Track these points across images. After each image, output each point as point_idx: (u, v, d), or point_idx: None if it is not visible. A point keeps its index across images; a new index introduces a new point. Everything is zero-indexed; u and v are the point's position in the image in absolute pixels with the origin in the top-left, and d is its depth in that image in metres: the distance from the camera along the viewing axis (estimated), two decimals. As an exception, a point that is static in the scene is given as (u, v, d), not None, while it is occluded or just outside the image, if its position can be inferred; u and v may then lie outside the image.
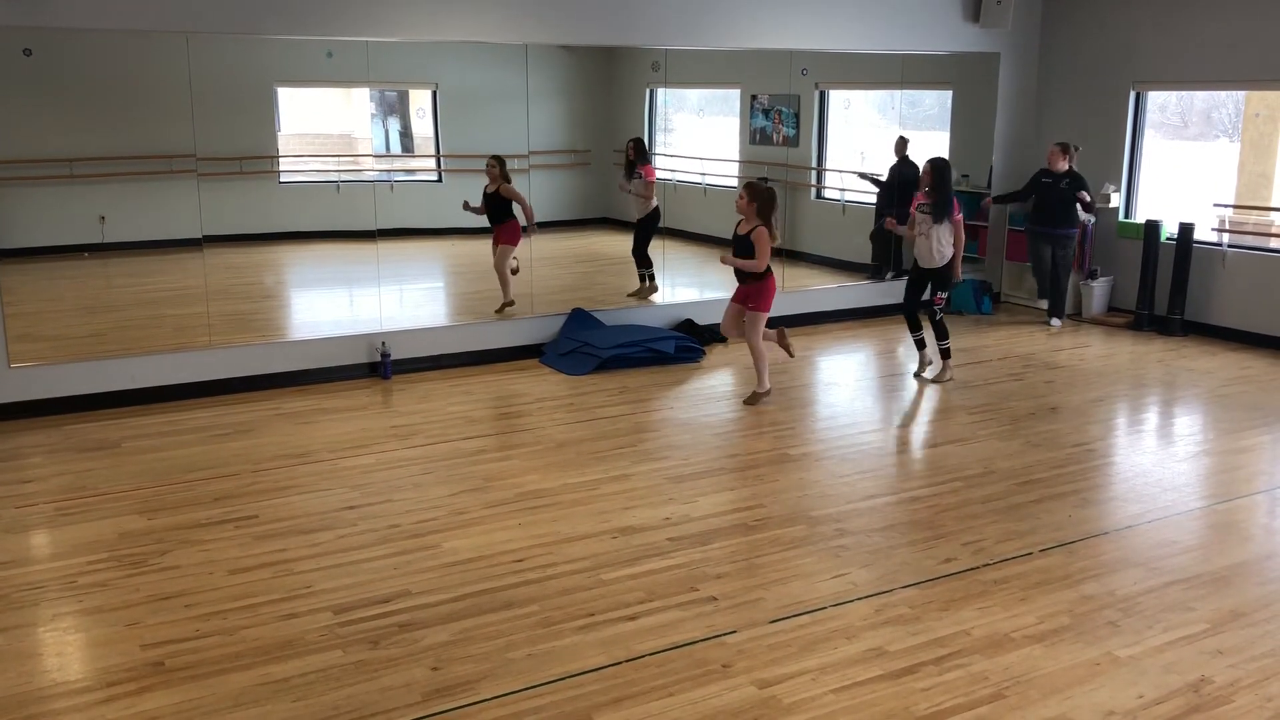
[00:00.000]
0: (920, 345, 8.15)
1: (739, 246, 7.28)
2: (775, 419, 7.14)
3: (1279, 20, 8.81)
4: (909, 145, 10.45)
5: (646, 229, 9.72)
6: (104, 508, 5.54)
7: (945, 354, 8.06)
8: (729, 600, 4.53)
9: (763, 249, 7.17)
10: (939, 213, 7.77)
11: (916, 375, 8.16)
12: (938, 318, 7.97)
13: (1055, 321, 9.97)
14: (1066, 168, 9.68)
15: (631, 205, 9.78)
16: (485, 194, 9.10)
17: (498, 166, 9.01)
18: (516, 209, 9.06)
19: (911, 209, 7.98)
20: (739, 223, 7.35)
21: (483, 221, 9.21)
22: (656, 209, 9.70)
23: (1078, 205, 9.72)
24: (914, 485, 5.99)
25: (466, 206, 9.15)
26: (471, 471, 6.09)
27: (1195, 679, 3.95)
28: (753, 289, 7.35)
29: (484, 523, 5.35)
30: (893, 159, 10.54)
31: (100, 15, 6.80)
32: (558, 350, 8.53)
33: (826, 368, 8.86)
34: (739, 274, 7.35)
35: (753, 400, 7.40)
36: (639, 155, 9.76)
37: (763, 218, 7.18)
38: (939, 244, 7.81)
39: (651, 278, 9.72)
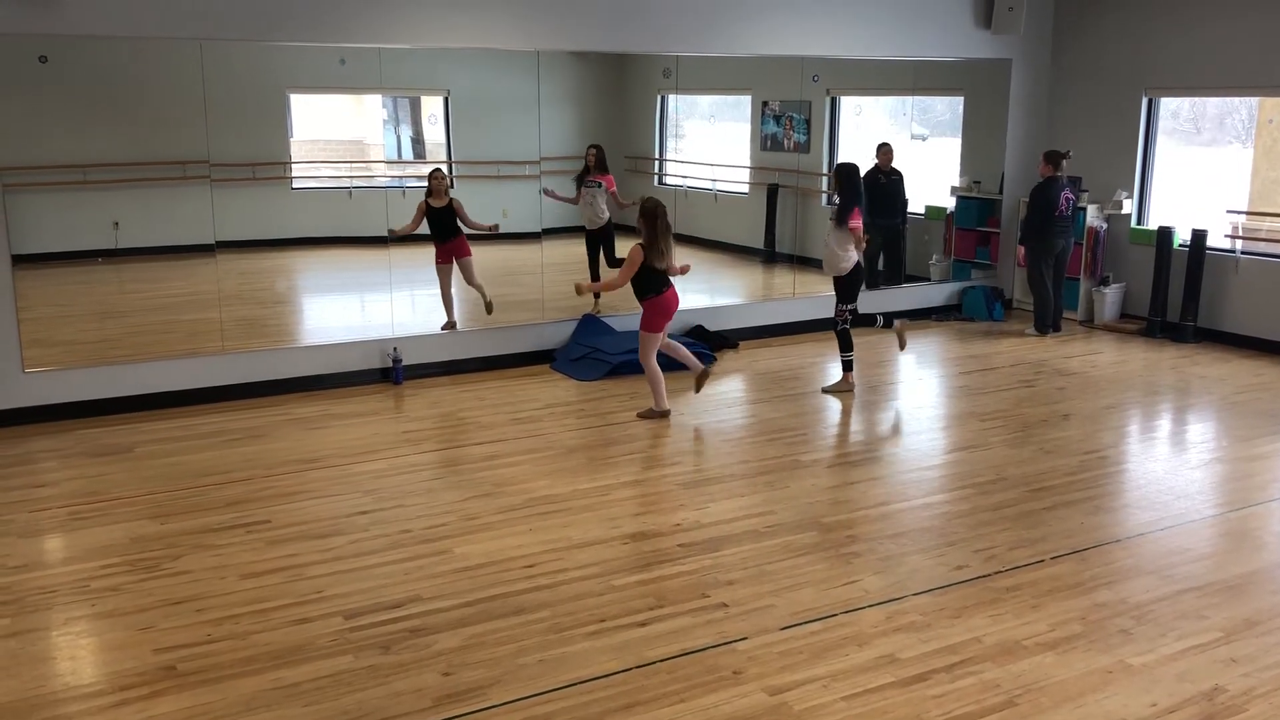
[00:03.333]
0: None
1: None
2: (786, 425, 7.13)
3: (1292, 26, 8.79)
4: (893, 154, 10.42)
5: (610, 240, 9.59)
6: (117, 512, 5.57)
7: (846, 366, 7.94)
8: (740, 607, 4.52)
9: (625, 265, 7.00)
10: (839, 217, 7.67)
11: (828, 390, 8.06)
12: (839, 328, 7.89)
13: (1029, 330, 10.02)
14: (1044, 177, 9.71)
15: (589, 215, 9.57)
16: (431, 208, 8.74)
17: (446, 179, 8.74)
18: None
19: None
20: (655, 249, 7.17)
21: (505, 225, 9.16)
22: (610, 219, 9.58)
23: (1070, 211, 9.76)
24: (926, 492, 5.97)
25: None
26: (482, 477, 6.09)
27: (1209, 688, 3.92)
28: (643, 307, 7.14)
29: (495, 528, 5.35)
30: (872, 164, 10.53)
31: (114, 22, 6.85)
32: (569, 356, 8.54)
33: (837, 374, 8.84)
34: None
35: (645, 414, 7.25)
36: (599, 164, 9.55)
37: (642, 234, 7.01)
38: (833, 251, 7.73)
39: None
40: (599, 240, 9.64)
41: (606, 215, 9.55)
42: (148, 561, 4.96)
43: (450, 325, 8.84)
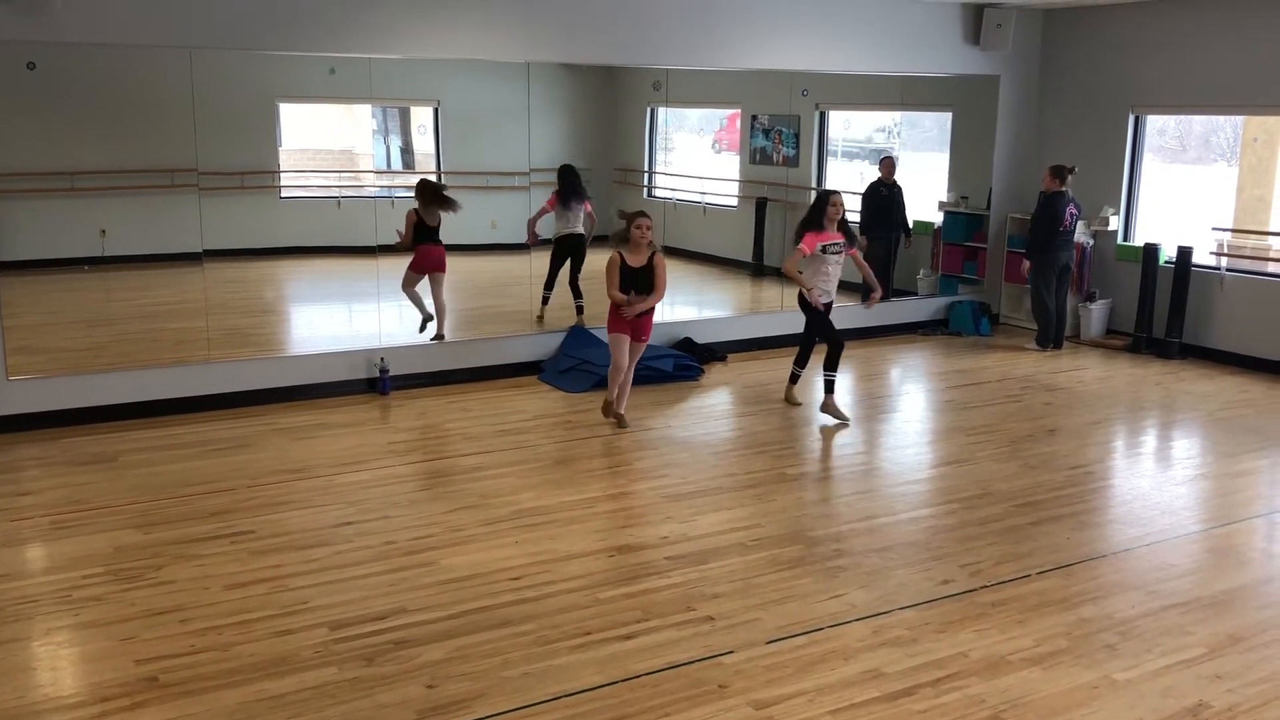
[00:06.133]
0: (796, 380, 7.95)
1: (642, 282, 7.04)
2: (773, 438, 7.13)
3: (1277, 45, 8.86)
4: (894, 167, 10.47)
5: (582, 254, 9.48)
6: (100, 521, 5.53)
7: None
8: (726, 620, 4.52)
9: (607, 273, 7.00)
10: (796, 237, 7.53)
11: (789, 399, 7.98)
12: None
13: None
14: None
15: (576, 225, 9.40)
16: (426, 226, 8.56)
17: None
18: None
19: (809, 245, 7.38)
20: (628, 255, 7.04)
21: (494, 236, 9.13)
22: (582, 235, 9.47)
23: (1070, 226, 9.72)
24: (912, 506, 5.98)
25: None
26: (469, 489, 6.08)
27: (1193, 703, 3.93)
28: (649, 319, 7.18)
29: (481, 540, 5.33)
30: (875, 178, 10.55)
31: (104, 29, 6.82)
32: (556, 367, 8.53)
33: (823, 387, 8.85)
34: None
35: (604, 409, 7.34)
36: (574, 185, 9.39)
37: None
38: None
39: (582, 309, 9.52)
40: (578, 253, 9.49)
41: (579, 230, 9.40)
42: (130, 571, 4.93)
43: (428, 318, 8.73)
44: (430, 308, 8.72)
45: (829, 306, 7.65)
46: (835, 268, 7.58)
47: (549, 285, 9.35)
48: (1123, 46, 9.96)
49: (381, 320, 8.46)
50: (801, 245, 7.43)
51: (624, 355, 7.13)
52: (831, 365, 7.56)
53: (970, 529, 5.59)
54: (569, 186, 9.27)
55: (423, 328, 8.69)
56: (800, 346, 7.90)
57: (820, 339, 7.69)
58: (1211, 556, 5.36)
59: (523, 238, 9.34)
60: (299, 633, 4.36)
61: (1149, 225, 10.21)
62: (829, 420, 7.50)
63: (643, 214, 7.09)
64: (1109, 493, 6.34)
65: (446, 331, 8.75)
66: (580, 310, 9.31)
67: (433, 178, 10.45)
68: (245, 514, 5.65)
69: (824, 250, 7.46)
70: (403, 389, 8.09)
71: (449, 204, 8.59)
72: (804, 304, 7.62)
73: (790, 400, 7.98)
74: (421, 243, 8.60)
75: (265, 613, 4.53)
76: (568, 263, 9.34)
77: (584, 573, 4.96)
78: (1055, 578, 5.00)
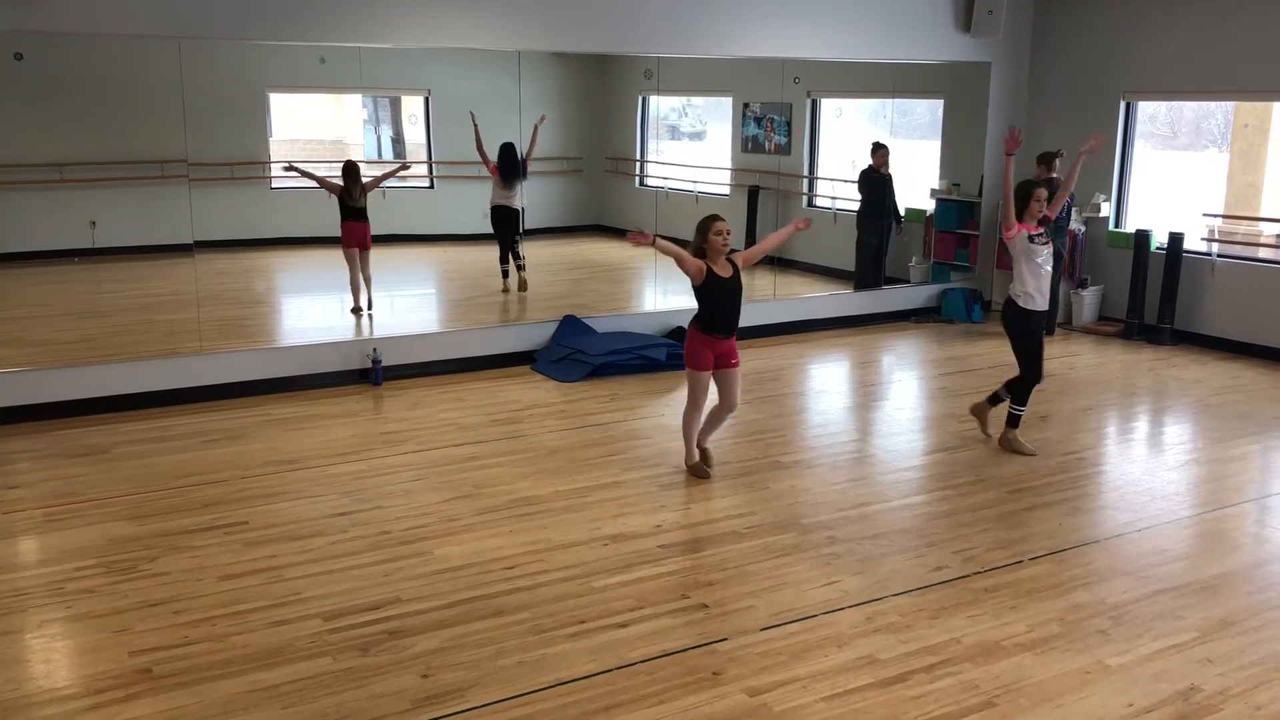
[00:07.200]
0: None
1: (735, 296, 5.88)
2: (766, 426, 7.14)
3: (1268, 31, 8.86)
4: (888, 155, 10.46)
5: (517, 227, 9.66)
6: (92, 513, 5.52)
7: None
8: (720, 608, 4.52)
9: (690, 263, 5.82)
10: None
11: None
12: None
13: None
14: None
15: (511, 200, 9.55)
16: (349, 206, 8.72)
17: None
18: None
19: (1012, 232, 6.39)
20: (712, 265, 5.80)
21: (483, 227, 9.13)
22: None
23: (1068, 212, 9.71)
24: (905, 493, 5.99)
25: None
26: (462, 478, 6.08)
27: (1185, 687, 3.95)
28: (732, 340, 5.95)
29: (475, 530, 5.33)
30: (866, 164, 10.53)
31: (92, 20, 6.78)
32: (549, 357, 8.53)
33: (817, 376, 8.88)
34: (730, 325, 5.91)
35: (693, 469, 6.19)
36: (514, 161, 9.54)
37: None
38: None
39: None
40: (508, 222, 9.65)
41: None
42: (124, 563, 4.92)
43: (357, 309, 8.90)
44: (363, 300, 8.95)
45: (1043, 315, 6.64)
46: (1048, 265, 6.50)
47: (503, 259, 9.58)
48: (1114, 33, 9.96)
49: (374, 311, 8.45)
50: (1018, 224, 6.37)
51: (705, 394, 5.94)
52: (1022, 399, 6.61)
53: (963, 515, 5.60)
54: (508, 165, 9.43)
55: (355, 310, 8.83)
56: (1023, 372, 6.64)
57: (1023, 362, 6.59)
58: (1203, 541, 5.39)
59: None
60: (293, 623, 4.36)
61: (1141, 212, 10.22)
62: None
63: (716, 217, 5.83)
64: (1101, 478, 6.36)
65: (371, 305, 8.96)
66: (521, 268, 9.56)
67: (424, 167, 10.44)
68: (238, 505, 5.64)
69: (1031, 240, 6.42)
70: (395, 379, 8.08)
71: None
72: (1012, 314, 6.59)
73: (1021, 449, 6.59)
74: (345, 220, 8.75)
75: (259, 603, 4.53)
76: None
77: (578, 561, 4.97)
78: (1048, 563, 5.02)
